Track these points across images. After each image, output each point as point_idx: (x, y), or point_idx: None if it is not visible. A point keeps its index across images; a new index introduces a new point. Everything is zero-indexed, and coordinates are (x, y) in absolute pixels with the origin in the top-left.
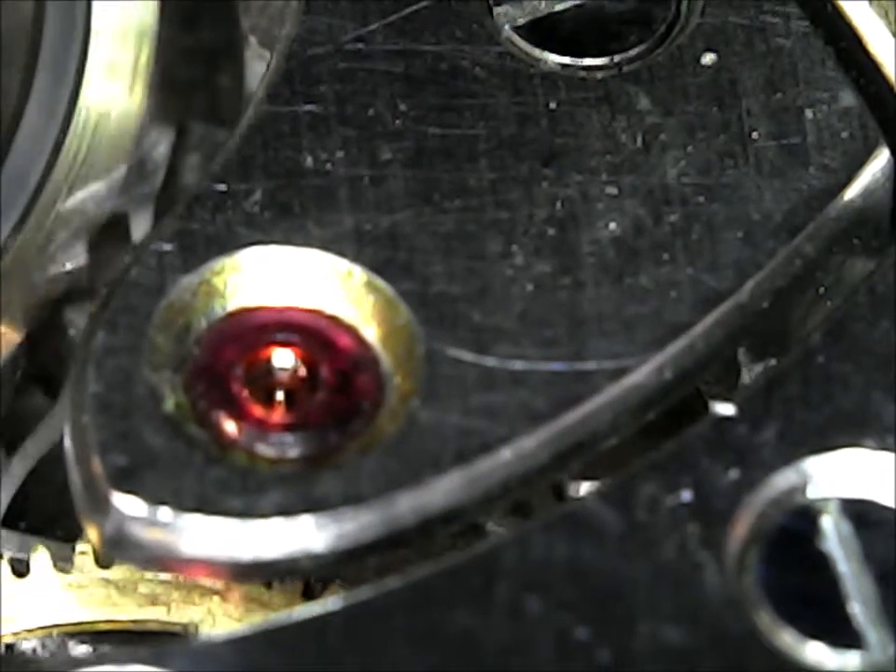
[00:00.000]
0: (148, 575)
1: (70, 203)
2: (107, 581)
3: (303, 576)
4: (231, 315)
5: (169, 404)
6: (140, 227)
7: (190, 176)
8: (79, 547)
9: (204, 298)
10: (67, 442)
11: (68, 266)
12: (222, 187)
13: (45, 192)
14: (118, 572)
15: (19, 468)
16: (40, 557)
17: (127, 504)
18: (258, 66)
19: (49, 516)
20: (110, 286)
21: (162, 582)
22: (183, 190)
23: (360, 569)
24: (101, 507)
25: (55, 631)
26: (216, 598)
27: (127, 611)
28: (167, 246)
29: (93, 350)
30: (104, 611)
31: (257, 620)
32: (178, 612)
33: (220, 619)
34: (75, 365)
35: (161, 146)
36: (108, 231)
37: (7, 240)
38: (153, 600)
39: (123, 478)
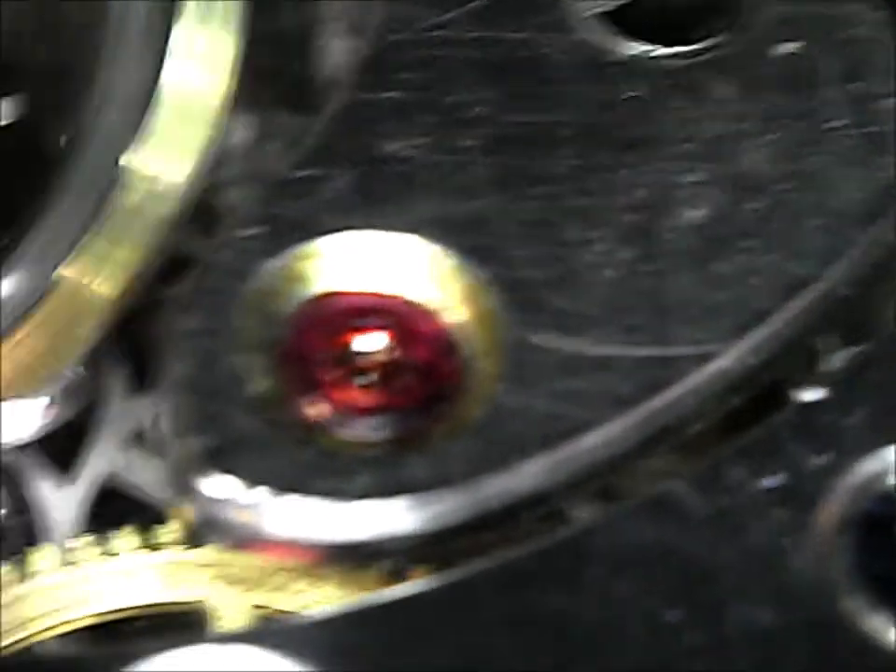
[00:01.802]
0: (156, 558)
1: (154, 189)
2: (114, 571)
3: (391, 557)
4: (317, 298)
5: (257, 387)
6: (223, 213)
7: (271, 163)
8: (80, 541)
9: (290, 282)
10: (157, 425)
11: (153, 251)
12: (306, 172)
13: (130, 178)
14: (124, 561)
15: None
16: (48, 555)
17: (216, 486)
18: (339, 54)
19: (135, 503)
20: (196, 270)
21: (169, 563)
22: (265, 177)
23: (448, 552)
24: (190, 489)
25: (70, 626)
26: (222, 570)
27: (139, 597)
28: (252, 231)
29: (181, 333)
30: (114, 600)
31: (259, 590)
32: (189, 591)
33: (225, 591)
34: (163, 348)
35: (242, 133)
36: (192, 218)
37: (93, 227)
38: (163, 583)
39: (213, 460)
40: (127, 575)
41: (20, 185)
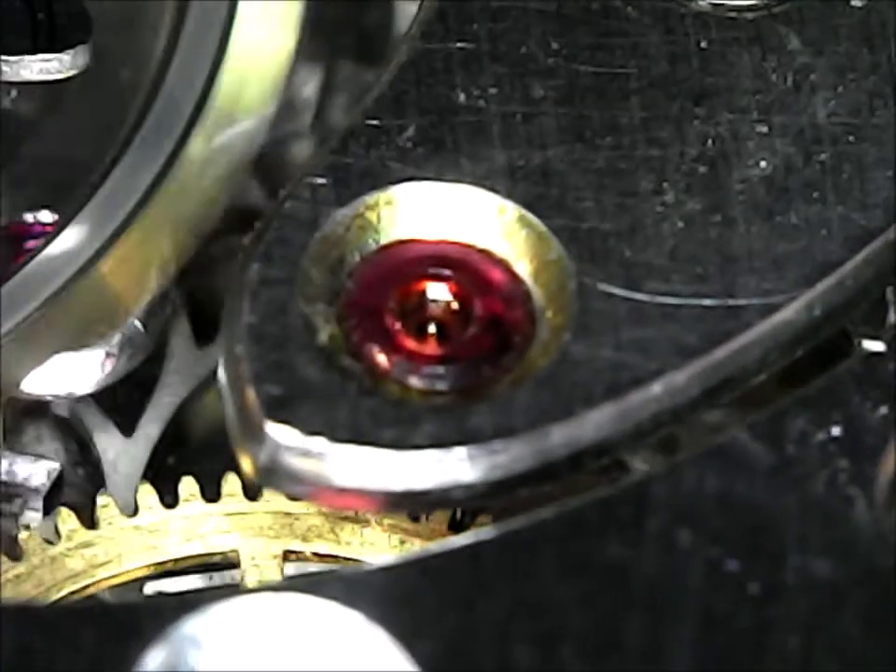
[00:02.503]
0: (176, 514)
1: (220, 141)
2: (138, 528)
3: (455, 506)
4: (385, 248)
5: (323, 336)
6: (288, 164)
7: (338, 115)
8: (100, 500)
9: (358, 231)
10: (221, 373)
11: (219, 204)
12: (375, 122)
13: (196, 130)
14: (146, 517)
15: (166, 404)
16: (68, 520)
17: (281, 433)
18: (406, 5)
19: (197, 452)
20: (264, 219)
21: (189, 517)
22: (331, 129)
23: (511, 501)
24: (255, 436)
25: (101, 586)
26: (246, 519)
27: (165, 553)
28: (321, 180)
29: (248, 282)
30: (143, 557)
31: (284, 537)
32: (214, 543)
33: (253, 540)
34: (229, 297)
35: (309, 85)
36: (257, 169)
37: (158, 177)
38: (187, 536)
39: (277, 408)
40: (152, 532)
41: (89, 133)
